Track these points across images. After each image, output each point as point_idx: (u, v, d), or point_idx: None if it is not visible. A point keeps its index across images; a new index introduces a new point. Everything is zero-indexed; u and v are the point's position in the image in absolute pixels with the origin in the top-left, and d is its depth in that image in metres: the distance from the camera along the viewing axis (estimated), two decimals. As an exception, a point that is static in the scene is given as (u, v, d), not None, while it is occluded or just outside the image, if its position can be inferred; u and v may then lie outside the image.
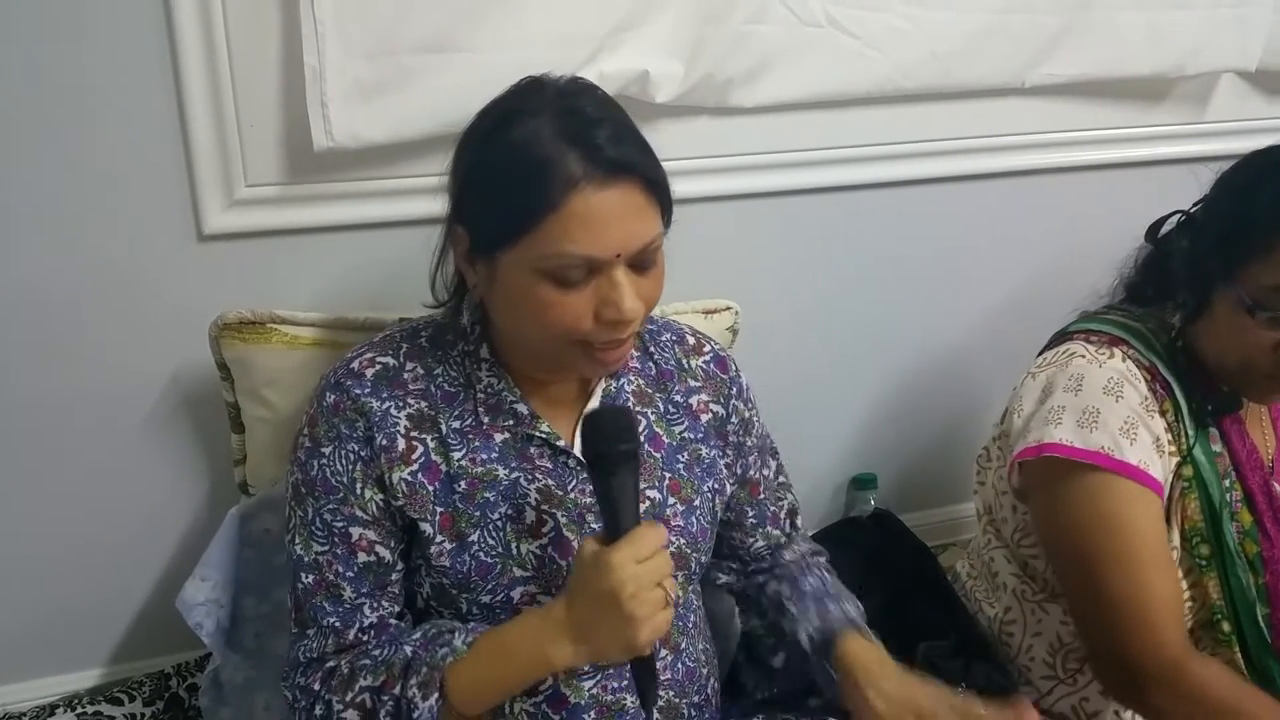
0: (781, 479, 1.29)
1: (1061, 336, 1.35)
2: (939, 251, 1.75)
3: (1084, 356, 1.26)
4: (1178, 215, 1.28)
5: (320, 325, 1.34)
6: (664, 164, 1.48)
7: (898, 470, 1.89)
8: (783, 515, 1.28)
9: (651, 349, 1.18)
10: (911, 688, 1.07)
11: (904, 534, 1.67)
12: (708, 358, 1.21)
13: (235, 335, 1.30)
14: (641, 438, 1.12)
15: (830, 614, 1.16)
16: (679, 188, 1.51)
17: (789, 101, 1.53)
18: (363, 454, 1.04)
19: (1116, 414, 1.20)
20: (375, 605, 1.06)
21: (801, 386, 1.77)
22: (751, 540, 1.25)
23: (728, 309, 1.52)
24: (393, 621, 1.08)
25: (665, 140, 1.48)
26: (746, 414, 1.23)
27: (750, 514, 1.24)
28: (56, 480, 1.41)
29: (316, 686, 1.04)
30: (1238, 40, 1.71)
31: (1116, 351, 1.26)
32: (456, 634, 1.02)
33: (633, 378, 1.15)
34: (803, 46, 1.49)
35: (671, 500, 1.12)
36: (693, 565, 1.14)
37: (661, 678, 1.10)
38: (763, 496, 1.25)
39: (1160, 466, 1.21)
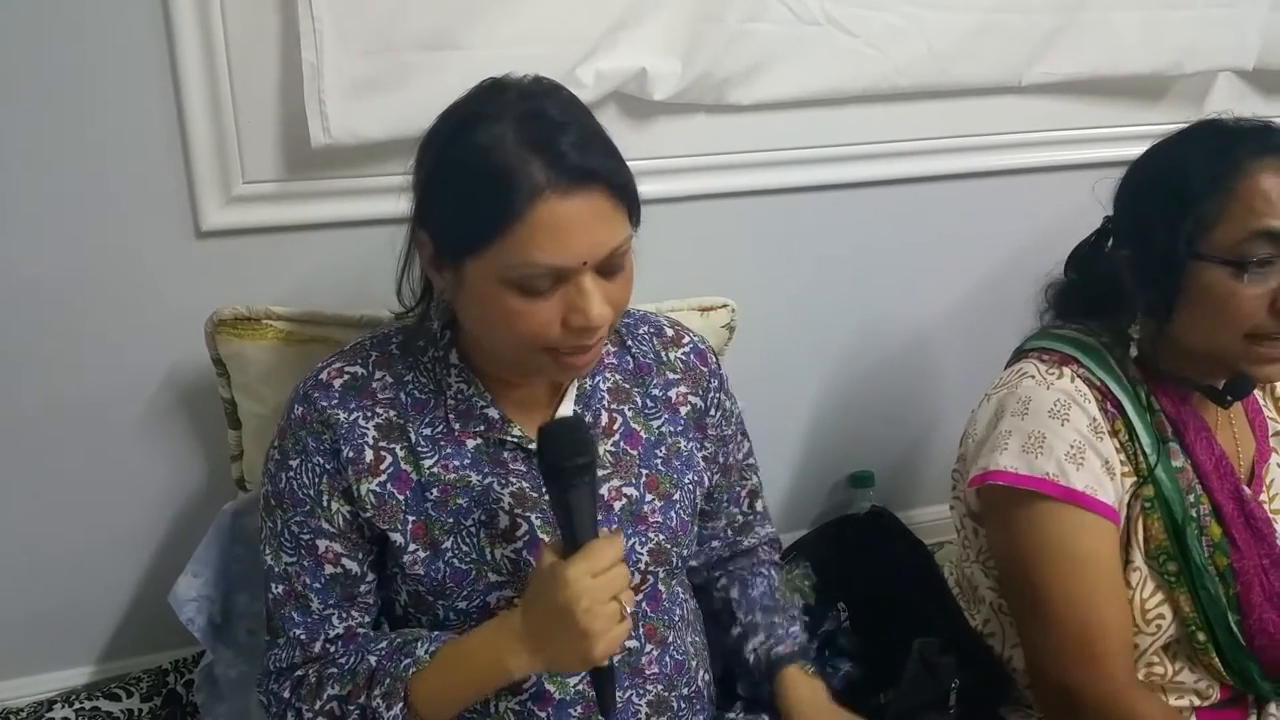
0: (750, 460, 1.29)
1: (1019, 354, 1.34)
2: (937, 250, 1.75)
3: (1033, 377, 1.24)
4: (1095, 238, 1.28)
5: (316, 321, 1.34)
6: (661, 161, 1.50)
7: (895, 468, 1.89)
8: (744, 494, 1.29)
9: (629, 342, 1.17)
10: None
11: (900, 531, 1.67)
12: (687, 349, 1.21)
13: (230, 331, 1.31)
14: (617, 433, 1.12)
15: (776, 637, 1.19)
16: (676, 185, 1.53)
17: (786, 99, 1.53)
18: (329, 467, 1.04)
19: (1063, 438, 1.19)
20: (344, 616, 1.07)
21: (799, 384, 1.77)
22: (718, 522, 1.27)
23: (724, 306, 1.52)
24: (360, 631, 1.08)
25: (663, 138, 1.51)
26: (728, 404, 1.23)
27: (724, 498, 1.26)
28: (53, 476, 1.42)
29: (286, 694, 1.06)
30: (1234, 39, 1.71)
31: (1066, 371, 1.24)
32: (420, 643, 1.02)
33: (609, 374, 1.15)
34: (800, 44, 1.49)
35: (649, 497, 1.12)
36: (674, 560, 1.14)
37: (648, 671, 1.11)
38: (732, 478, 1.26)
39: (1112, 489, 1.19)
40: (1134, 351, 1.25)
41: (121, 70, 1.27)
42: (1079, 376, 1.24)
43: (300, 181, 1.36)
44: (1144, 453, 1.22)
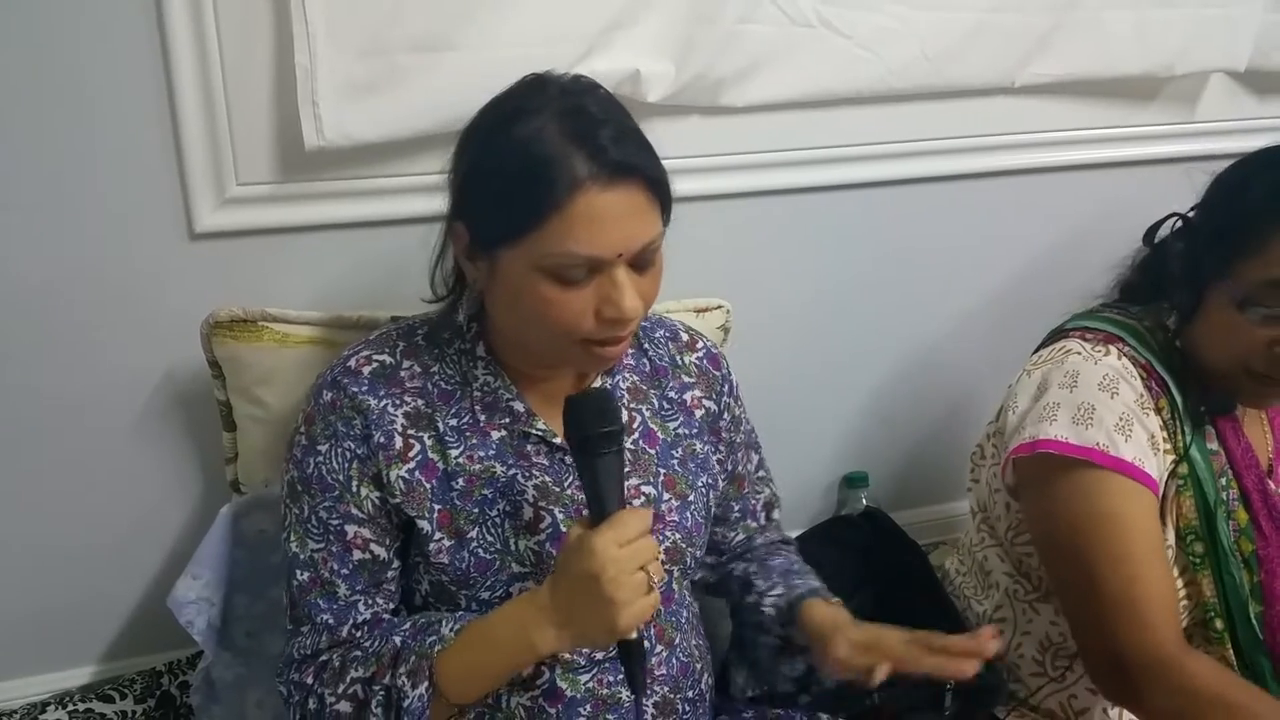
0: (761, 472, 1.30)
1: (1057, 334, 1.35)
2: (930, 250, 1.76)
3: (1079, 353, 1.26)
4: (1173, 219, 1.28)
5: (312, 324, 1.34)
6: (657, 163, 1.50)
7: (889, 468, 1.90)
8: (759, 508, 1.30)
9: (646, 345, 1.19)
10: (872, 631, 1.08)
11: (895, 532, 1.68)
12: (701, 354, 1.22)
13: (226, 333, 1.31)
14: (636, 433, 1.13)
15: (795, 585, 1.18)
16: (671, 187, 1.53)
17: (780, 101, 1.53)
18: (359, 452, 1.05)
19: (1112, 410, 1.20)
20: (370, 602, 1.07)
21: (793, 385, 1.77)
22: (733, 534, 1.28)
23: (719, 307, 1.53)
24: (385, 617, 1.08)
25: (657, 139, 1.49)
26: (737, 411, 1.25)
27: (735, 509, 1.27)
28: (48, 478, 1.41)
29: (309, 681, 1.05)
30: (1226, 40, 1.72)
31: (1112, 349, 1.26)
32: (444, 623, 1.02)
33: (627, 375, 1.16)
34: (793, 46, 1.50)
35: (667, 496, 1.13)
36: (688, 560, 1.15)
37: (657, 673, 1.11)
38: (745, 490, 1.27)
39: (1155, 464, 1.21)
40: (1177, 342, 1.26)
41: (115, 72, 1.26)
42: (1124, 354, 1.26)
43: (294, 183, 1.36)
44: (1183, 432, 1.23)
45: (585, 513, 0.99)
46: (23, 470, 1.40)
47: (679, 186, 1.54)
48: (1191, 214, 1.27)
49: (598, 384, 1.13)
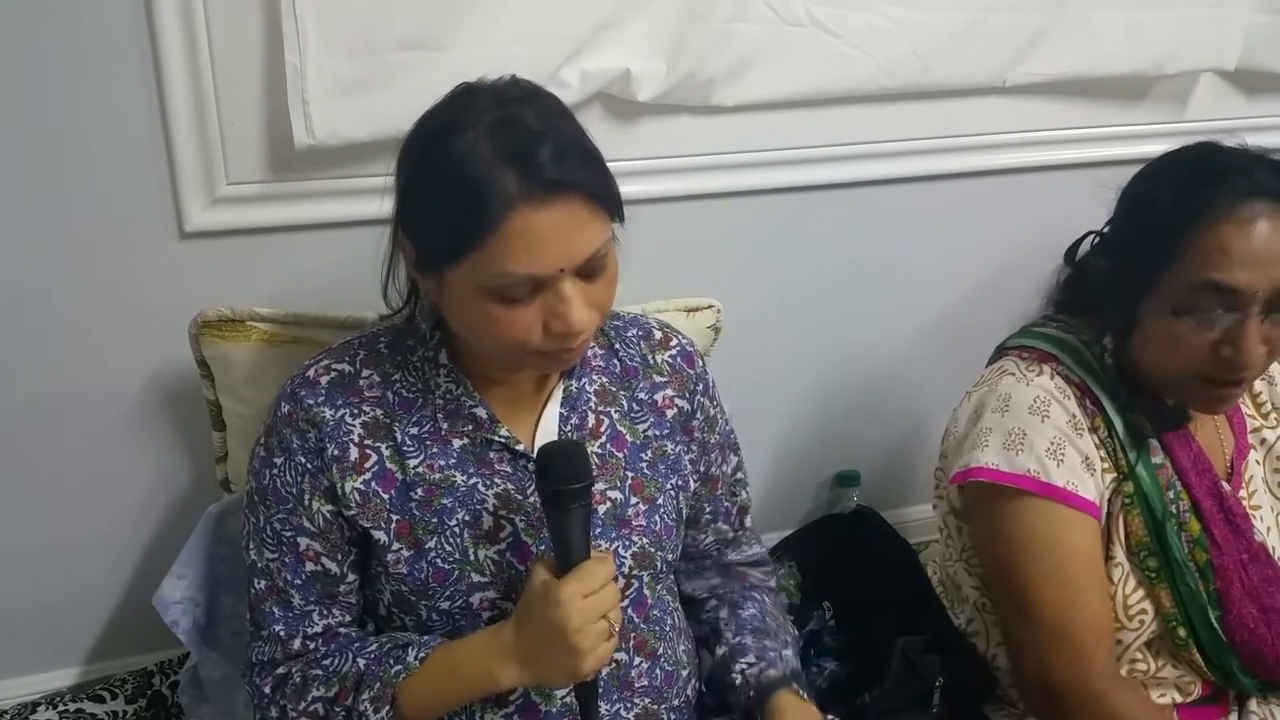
0: (739, 475, 1.28)
1: (1000, 352, 1.35)
2: (921, 249, 1.76)
3: (1013, 375, 1.26)
4: (1091, 236, 1.28)
5: (300, 323, 1.33)
6: (646, 162, 1.51)
7: (881, 467, 1.90)
8: (734, 511, 1.28)
9: (617, 345, 1.17)
10: None
11: (885, 531, 1.68)
12: (674, 352, 1.20)
13: (215, 333, 1.30)
14: (604, 435, 1.12)
15: (767, 656, 1.18)
16: (661, 186, 1.54)
17: (771, 100, 1.53)
18: (310, 466, 1.04)
19: (1043, 435, 1.20)
20: (324, 613, 1.08)
21: (784, 383, 1.77)
22: (703, 537, 1.26)
23: (710, 307, 1.53)
24: (342, 631, 1.09)
25: (647, 139, 1.51)
26: (712, 410, 1.22)
27: (706, 510, 1.25)
28: (38, 477, 1.41)
29: (267, 690, 1.07)
30: (1216, 40, 1.72)
31: (1046, 368, 1.25)
32: (410, 649, 1.03)
33: (595, 376, 1.14)
34: (784, 45, 1.50)
35: (634, 500, 1.12)
36: (658, 564, 1.13)
37: (637, 684, 1.11)
38: (719, 492, 1.25)
39: (1093, 485, 1.20)
40: (1109, 359, 1.26)
41: (105, 72, 1.26)
42: (1058, 374, 1.25)
43: (284, 183, 1.36)
44: (1123, 449, 1.23)
45: (547, 545, 1.01)
46: (10, 470, 1.40)
47: (670, 186, 1.56)
48: (1107, 230, 1.26)
49: (558, 412, 1.11)
